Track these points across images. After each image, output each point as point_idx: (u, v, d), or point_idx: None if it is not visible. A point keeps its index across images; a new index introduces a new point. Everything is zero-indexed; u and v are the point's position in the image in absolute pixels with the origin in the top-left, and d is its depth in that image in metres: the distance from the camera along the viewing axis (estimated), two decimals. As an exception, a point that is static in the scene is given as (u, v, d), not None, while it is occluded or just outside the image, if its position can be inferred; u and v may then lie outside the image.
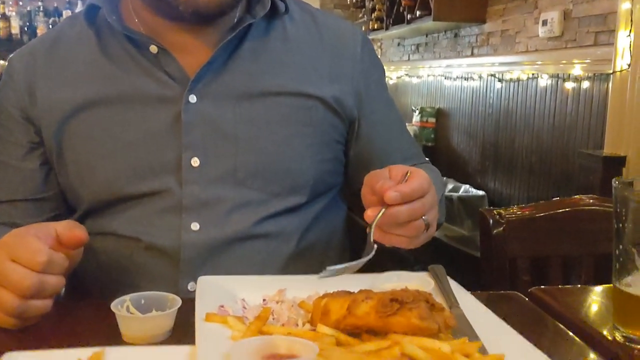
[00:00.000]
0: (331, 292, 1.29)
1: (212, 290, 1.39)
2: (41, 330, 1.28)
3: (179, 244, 1.60)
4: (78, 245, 1.30)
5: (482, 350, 1.12)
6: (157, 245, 1.61)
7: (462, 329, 1.21)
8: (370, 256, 1.35)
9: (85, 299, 1.66)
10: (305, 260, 1.74)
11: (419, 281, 1.45)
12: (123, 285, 1.64)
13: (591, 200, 2.36)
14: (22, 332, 1.26)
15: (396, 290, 1.18)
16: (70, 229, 1.28)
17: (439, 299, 1.39)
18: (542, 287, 1.64)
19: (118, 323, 1.26)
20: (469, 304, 1.38)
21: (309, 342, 1.01)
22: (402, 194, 1.30)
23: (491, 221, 2.25)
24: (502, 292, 1.63)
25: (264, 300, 1.38)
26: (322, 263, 1.76)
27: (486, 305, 1.38)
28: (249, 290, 1.41)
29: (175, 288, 1.61)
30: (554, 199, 2.29)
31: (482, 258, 2.33)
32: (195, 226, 1.60)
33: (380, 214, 1.32)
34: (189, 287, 1.62)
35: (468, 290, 1.48)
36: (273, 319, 1.28)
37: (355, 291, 1.27)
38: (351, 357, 1.05)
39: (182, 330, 1.27)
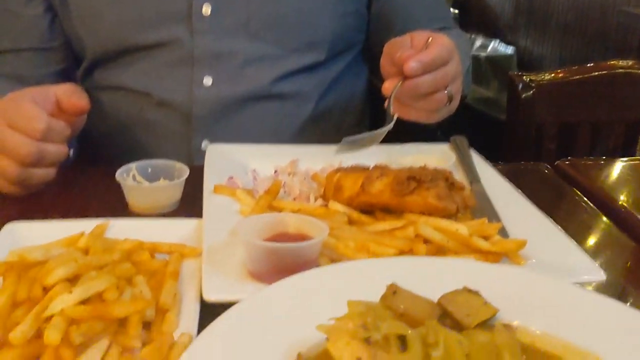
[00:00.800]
0: (345, 166, 1.22)
1: (221, 159, 1.33)
2: (45, 200, 1.25)
3: (191, 100, 1.53)
4: (78, 113, 1.23)
5: (503, 232, 1.07)
6: (168, 101, 1.54)
7: (483, 207, 1.15)
8: (389, 127, 1.26)
9: (93, 166, 1.62)
10: (321, 124, 1.66)
11: (439, 154, 1.37)
12: (134, 146, 1.60)
13: (629, 63, 2.21)
14: (25, 202, 1.23)
15: (413, 168, 1.10)
16: (70, 95, 1.20)
17: (459, 174, 1.32)
18: (569, 159, 1.56)
19: (124, 193, 1.22)
20: (492, 179, 1.30)
21: (320, 222, 0.96)
22: (423, 64, 1.18)
23: (520, 85, 2.13)
24: (527, 163, 1.55)
25: (275, 171, 1.32)
26: (339, 129, 1.69)
27: (510, 178, 1.31)
28: (260, 160, 1.35)
29: (188, 146, 1.57)
30: (589, 64, 2.13)
31: (508, 123, 2.23)
32: (207, 80, 1.52)
33: (399, 85, 1.21)
34: (202, 146, 1.57)
35: (491, 160, 1.41)
36: (284, 192, 1.23)
37: (371, 165, 1.20)
38: (363, 237, 1.00)
39: (190, 201, 1.22)
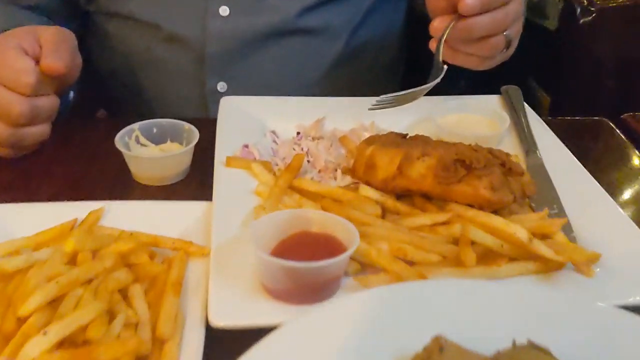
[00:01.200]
0: (378, 132, 1.05)
1: (236, 117, 1.16)
2: (37, 166, 1.10)
3: (204, 34, 1.34)
4: (53, 75, 1.05)
5: (567, 229, 0.90)
6: (179, 35, 1.36)
7: (542, 191, 0.97)
8: (437, 80, 1.06)
9: (93, 117, 1.46)
10: (352, 65, 1.46)
11: (490, 114, 1.18)
12: (142, 87, 1.44)
13: None
14: (17, 166, 1.08)
15: (463, 147, 0.92)
16: (47, 55, 1.03)
17: (511, 138, 1.13)
18: (635, 114, 1.35)
19: (126, 162, 1.07)
20: (551, 146, 1.12)
21: (348, 224, 0.80)
22: (481, 1, 0.98)
23: (578, 10, 1.87)
24: (586, 119, 1.35)
25: (297, 133, 1.15)
26: (371, 70, 1.49)
27: (566, 135, 1.14)
28: (281, 118, 1.17)
29: (201, 89, 1.40)
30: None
31: (560, 53, 1.98)
32: (224, 10, 1.32)
33: (451, 26, 1.01)
34: (218, 88, 1.40)
35: (546, 107, 1.22)
36: (308, 161, 1.06)
37: (408, 130, 1.03)
38: (398, 237, 0.84)
39: (201, 166, 1.07)
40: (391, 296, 0.67)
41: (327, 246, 0.79)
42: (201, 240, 0.86)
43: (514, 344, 0.61)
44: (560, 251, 0.83)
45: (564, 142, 1.11)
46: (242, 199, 0.94)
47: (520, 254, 0.84)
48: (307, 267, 0.73)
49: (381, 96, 1.06)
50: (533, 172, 1.01)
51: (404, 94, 1.07)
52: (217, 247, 0.83)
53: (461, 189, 0.88)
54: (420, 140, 0.98)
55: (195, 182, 1.06)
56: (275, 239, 0.81)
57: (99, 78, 1.49)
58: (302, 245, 0.80)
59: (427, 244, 0.83)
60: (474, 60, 1.09)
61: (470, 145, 0.93)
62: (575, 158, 1.07)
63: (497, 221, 0.85)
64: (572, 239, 0.89)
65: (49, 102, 1.06)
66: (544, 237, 0.87)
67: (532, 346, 0.60)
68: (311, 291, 0.75)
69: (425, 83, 1.04)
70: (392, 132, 1.03)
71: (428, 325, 0.62)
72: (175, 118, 1.11)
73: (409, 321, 0.65)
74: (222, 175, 0.99)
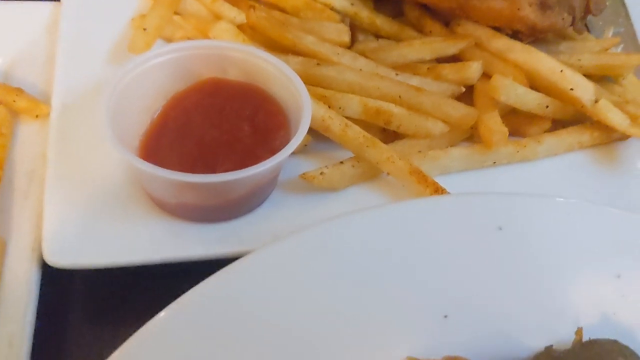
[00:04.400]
0: None
1: None
2: None
3: None
4: None
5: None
6: None
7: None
8: None
9: None
10: None
11: None
12: None
13: None
14: None
15: None
16: None
17: None
18: None
19: None
20: None
21: (287, 70, 0.45)
22: None
23: None
24: None
25: None
26: None
27: None
28: None
29: None
30: None
31: None
32: None
33: None
34: None
35: None
36: None
37: None
38: (377, 85, 0.50)
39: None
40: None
41: (250, 115, 0.45)
42: (40, 77, 0.55)
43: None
44: (638, 114, 0.51)
45: None
46: (109, 9, 0.57)
47: (568, 114, 0.51)
48: (213, 183, 0.39)
49: None
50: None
51: None
52: (60, 108, 0.46)
53: (491, 3, 0.51)
54: None
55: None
56: (161, 96, 0.45)
57: None
58: (207, 113, 0.45)
59: (425, 100, 0.49)
60: None
61: None
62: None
63: (545, 63, 0.50)
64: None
65: None
66: (604, 77, 0.54)
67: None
68: (224, 208, 0.42)
69: None
70: None
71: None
72: None
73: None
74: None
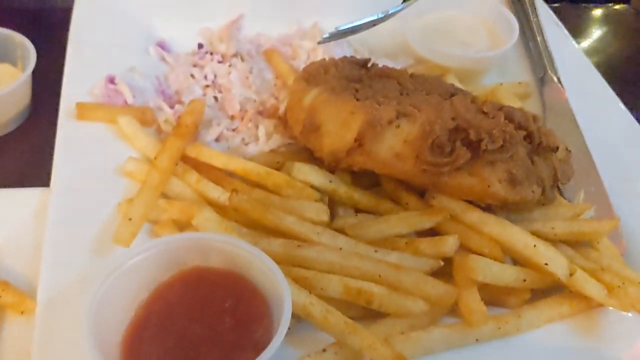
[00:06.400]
0: (325, 61, 0.66)
1: (100, 24, 0.74)
2: None
3: None
4: None
5: (614, 236, 0.58)
6: None
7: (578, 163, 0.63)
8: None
9: None
10: None
11: (489, 14, 0.79)
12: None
13: None
14: None
15: (466, 108, 0.55)
16: None
17: (519, 53, 0.77)
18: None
19: None
20: (574, 65, 0.77)
21: (271, 265, 0.46)
22: None
23: None
24: (608, 8, 0.99)
25: (200, 46, 0.74)
26: None
27: (588, 28, 0.92)
28: (174, 18, 0.76)
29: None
30: None
31: None
32: None
33: None
34: None
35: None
36: (215, 99, 0.68)
37: (371, 61, 0.66)
38: (357, 266, 0.51)
39: (48, 101, 0.68)
40: None
41: (232, 305, 0.46)
42: (27, 266, 0.56)
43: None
44: (613, 284, 0.52)
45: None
46: (96, 194, 0.58)
47: (545, 283, 0.52)
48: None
49: (335, 28, 0.68)
50: (553, 113, 0.67)
51: (364, 23, 0.69)
52: (45, 305, 0.47)
53: (461, 180, 0.53)
54: (393, 80, 0.61)
55: (39, 128, 0.68)
56: (144, 288, 0.46)
57: None
58: (190, 306, 0.46)
59: (405, 279, 0.50)
60: None
61: (474, 98, 0.57)
62: (605, 84, 0.73)
63: (518, 238, 0.52)
64: (622, 249, 0.57)
65: None
66: (578, 242, 0.56)
67: None
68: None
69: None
70: (346, 59, 0.65)
71: None
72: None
73: None
74: (68, 143, 0.61)
